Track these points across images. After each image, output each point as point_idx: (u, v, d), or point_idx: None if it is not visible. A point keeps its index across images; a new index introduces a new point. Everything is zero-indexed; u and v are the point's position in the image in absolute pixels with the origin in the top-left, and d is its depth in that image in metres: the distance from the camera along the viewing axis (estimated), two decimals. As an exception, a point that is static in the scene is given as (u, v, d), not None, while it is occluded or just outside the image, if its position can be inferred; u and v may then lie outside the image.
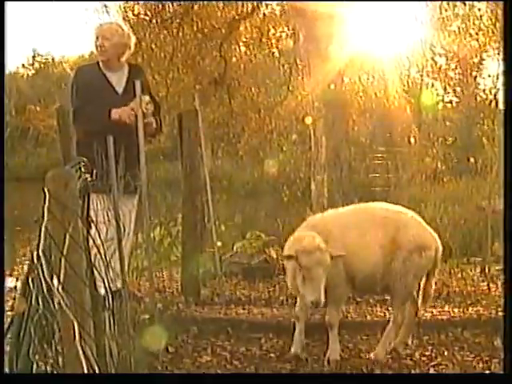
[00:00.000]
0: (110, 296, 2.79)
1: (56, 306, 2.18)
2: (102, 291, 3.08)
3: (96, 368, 1.80)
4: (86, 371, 1.75)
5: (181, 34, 11.11)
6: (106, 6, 11.82)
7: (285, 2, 11.34)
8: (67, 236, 1.90)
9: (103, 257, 2.82)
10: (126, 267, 4.86)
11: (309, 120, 8.80)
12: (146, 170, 5.20)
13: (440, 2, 12.06)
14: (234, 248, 8.02)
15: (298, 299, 4.80)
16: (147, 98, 5.33)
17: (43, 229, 1.93)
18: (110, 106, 5.27)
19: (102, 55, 5.48)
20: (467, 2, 12.05)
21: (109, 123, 5.16)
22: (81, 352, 1.72)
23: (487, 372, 4.24)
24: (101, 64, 5.48)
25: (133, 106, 5.23)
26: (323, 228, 4.66)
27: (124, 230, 4.73)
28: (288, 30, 12.69)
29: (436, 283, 7.34)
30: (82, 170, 2.90)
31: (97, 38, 5.49)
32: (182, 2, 11.16)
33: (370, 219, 4.89)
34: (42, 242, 1.91)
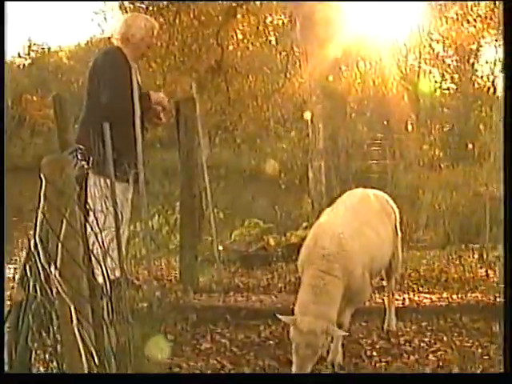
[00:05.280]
0: (108, 284, 2.77)
1: (54, 293, 2.18)
2: (100, 279, 3.07)
3: (94, 353, 1.79)
4: (83, 356, 1.75)
5: (177, 21, 11.04)
6: (103, -6, 11.71)
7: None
8: (64, 222, 1.89)
9: (101, 244, 2.81)
10: (124, 255, 4.86)
11: (307, 115, 8.77)
12: (143, 158, 5.20)
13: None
14: (232, 236, 8.03)
15: None
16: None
17: (39, 215, 1.92)
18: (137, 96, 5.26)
19: (146, 50, 5.52)
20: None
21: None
22: (78, 336, 1.71)
23: (486, 372, 4.18)
24: (126, 53, 5.42)
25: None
26: (333, 235, 4.26)
27: (122, 219, 4.73)
28: (285, 17, 12.63)
29: (434, 270, 7.43)
30: (79, 157, 2.88)
31: (151, 33, 5.48)
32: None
33: (374, 212, 4.78)
34: (38, 228, 1.90)
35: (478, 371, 4.36)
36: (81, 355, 1.72)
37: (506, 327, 3.07)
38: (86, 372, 1.82)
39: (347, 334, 4.25)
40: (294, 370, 3.98)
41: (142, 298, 5.09)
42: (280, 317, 4.15)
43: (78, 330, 1.72)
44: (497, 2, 10.84)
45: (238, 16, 11.80)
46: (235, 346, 4.73)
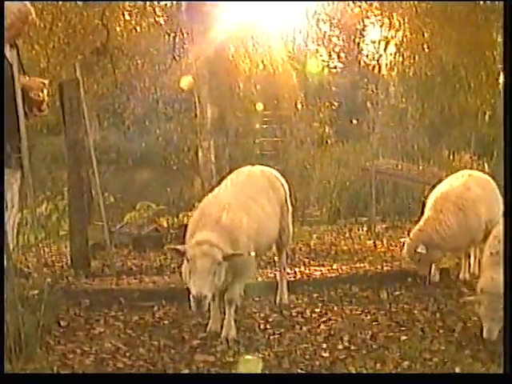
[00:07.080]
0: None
1: None
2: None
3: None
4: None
5: (60, 1, 10.69)
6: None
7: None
8: None
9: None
10: (13, 243, 4.73)
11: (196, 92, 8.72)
12: (30, 143, 5.06)
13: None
14: (125, 219, 7.97)
15: None
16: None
17: None
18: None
19: (16, 37, 5.28)
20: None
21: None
22: None
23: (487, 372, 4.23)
24: None
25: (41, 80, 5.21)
26: (219, 206, 4.37)
27: (6, 205, 4.61)
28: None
29: (325, 243, 7.65)
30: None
31: (24, 19, 5.22)
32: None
33: (260, 188, 4.86)
34: None
35: (367, 337, 4.53)
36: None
37: (506, 327, 3.17)
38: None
39: (241, 254, 4.21)
40: (192, 291, 3.96)
41: (33, 285, 4.98)
42: (176, 246, 4.27)
43: None
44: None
45: (125, -4, 11.54)
46: (130, 328, 4.70)
